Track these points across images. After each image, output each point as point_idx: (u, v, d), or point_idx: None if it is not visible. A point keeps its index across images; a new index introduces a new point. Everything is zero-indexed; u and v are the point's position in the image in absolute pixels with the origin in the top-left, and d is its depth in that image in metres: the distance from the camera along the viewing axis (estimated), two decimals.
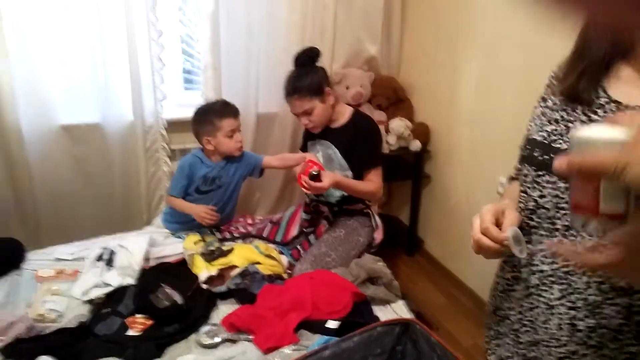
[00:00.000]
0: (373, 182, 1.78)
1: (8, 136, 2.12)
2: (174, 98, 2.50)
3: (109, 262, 1.63)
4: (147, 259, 1.64)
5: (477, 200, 2.36)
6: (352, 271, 1.56)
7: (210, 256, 1.63)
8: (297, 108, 1.79)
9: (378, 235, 1.87)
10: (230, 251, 1.65)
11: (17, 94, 2.07)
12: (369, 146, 1.80)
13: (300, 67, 1.81)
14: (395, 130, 2.51)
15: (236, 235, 1.87)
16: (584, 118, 0.81)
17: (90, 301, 1.49)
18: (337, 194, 1.82)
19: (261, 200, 2.68)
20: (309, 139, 1.93)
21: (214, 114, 1.87)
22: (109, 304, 1.48)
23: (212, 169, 1.91)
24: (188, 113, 2.04)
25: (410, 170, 2.68)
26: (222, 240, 1.79)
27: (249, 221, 1.98)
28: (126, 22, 2.14)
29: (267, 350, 1.27)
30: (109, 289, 1.51)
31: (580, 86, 0.81)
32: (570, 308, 0.79)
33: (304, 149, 1.97)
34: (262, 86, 2.53)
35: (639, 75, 0.76)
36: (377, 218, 1.89)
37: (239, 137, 1.90)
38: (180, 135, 2.45)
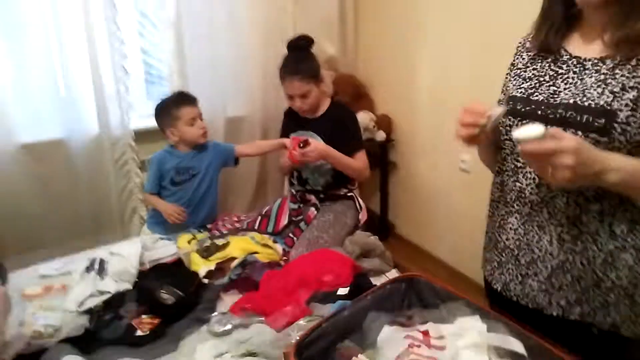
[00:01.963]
0: (360, 160, 1.87)
1: None
2: (138, 108, 2.47)
3: (100, 272, 1.59)
4: (141, 263, 1.61)
5: (441, 180, 2.51)
6: (347, 248, 1.62)
7: (206, 252, 1.64)
8: (295, 89, 1.83)
9: (363, 216, 1.96)
10: (226, 244, 1.66)
11: None
12: (350, 130, 1.91)
13: (297, 50, 1.88)
14: (361, 123, 2.61)
15: (225, 232, 1.88)
16: (551, 72, 0.97)
17: (88, 311, 1.45)
18: (321, 181, 1.89)
19: (236, 203, 2.69)
20: (289, 132, 1.98)
21: (171, 105, 1.92)
22: (110, 310, 1.44)
23: (182, 159, 1.95)
24: (154, 122, 2.04)
25: (377, 159, 2.80)
26: (213, 237, 1.80)
27: (235, 218, 1.99)
28: (87, 34, 2.13)
29: (282, 327, 1.30)
30: (107, 296, 1.47)
31: (550, 40, 0.97)
32: (557, 225, 0.94)
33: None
34: (229, 91, 2.57)
35: (590, 33, 0.92)
36: (360, 200, 1.97)
37: (202, 124, 1.95)
38: (150, 146, 2.42)
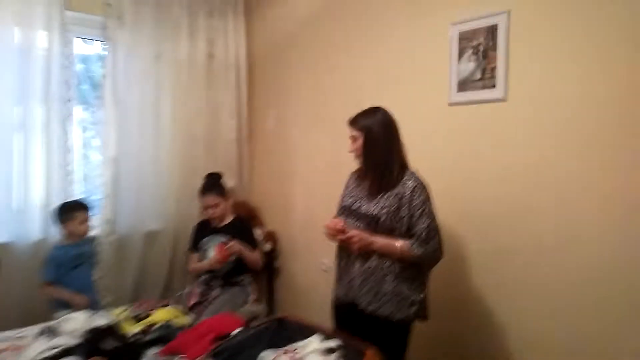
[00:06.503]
0: (258, 254, 2.82)
1: None
2: None
3: (53, 335, 2.12)
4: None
5: (310, 279, 3.39)
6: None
7: (135, 319, 2.28)
8: (210, 201, 2.80)
9: (252, 297, 2.75)
10: (150, 314, 2.31)
11: None
12: (250, 234, 2.84)
13: (212, 179, 2.90)
14: None
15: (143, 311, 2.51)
16: (360, 195, 2.04)
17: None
18: (224, 269, 2.69)
19: (151, 290, 3.26)
20: (201, 238, 2.81)
21: (71, 209, 2.71)
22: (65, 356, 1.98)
23: (75, 247, 2.69)
24: None
25: (265, 266, 3.62)
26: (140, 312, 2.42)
27: (153, 302, 2.64)
28: (45, 167, 2.86)
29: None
30: (61, 348, 2.01)
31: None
32: (360, 263, 1.96)
33: (195, 246, 2.82)
34: (149, 211, 3.32)
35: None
36: (250, 287, 2.78)
37: (87, 224, 2.73)
38: None
